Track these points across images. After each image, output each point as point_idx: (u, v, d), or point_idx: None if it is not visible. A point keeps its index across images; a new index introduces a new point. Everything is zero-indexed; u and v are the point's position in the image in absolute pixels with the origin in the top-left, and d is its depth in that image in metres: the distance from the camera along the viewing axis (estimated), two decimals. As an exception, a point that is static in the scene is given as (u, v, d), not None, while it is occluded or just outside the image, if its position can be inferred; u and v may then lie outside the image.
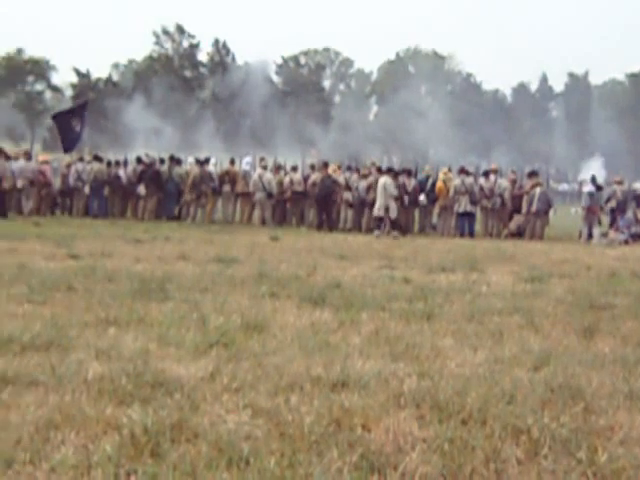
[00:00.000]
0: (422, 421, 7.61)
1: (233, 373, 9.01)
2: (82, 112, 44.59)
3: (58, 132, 43.92)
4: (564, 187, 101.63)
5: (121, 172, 42.66)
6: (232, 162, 43.43)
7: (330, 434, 7.11)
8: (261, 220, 40.46)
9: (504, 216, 39.73)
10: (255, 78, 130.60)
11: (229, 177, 41.78)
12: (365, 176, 40.60)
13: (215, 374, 8.98)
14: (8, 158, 41.38)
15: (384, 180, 37.69)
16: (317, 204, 40.05)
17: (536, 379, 9.16)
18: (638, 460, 6.84)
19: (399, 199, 38.43)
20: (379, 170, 40.95)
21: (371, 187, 39.15)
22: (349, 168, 43.74)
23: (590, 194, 39.50)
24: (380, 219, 37.20)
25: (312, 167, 44.97)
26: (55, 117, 45.53)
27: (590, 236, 37.69)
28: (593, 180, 40.71)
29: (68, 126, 42.71)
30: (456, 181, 39.21)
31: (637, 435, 7.43)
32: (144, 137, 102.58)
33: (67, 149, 43.07)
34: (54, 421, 7.27)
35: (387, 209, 37.07)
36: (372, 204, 38.42)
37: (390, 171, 39.85)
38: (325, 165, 41.37)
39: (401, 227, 37.46)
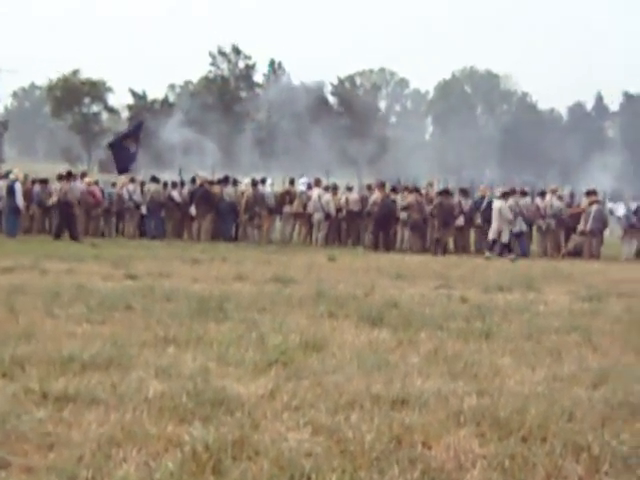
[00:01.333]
0: (482, 438, 7.62)
1: (293, 391, 9.03)
2: (137, 133, 44.66)
3: (113, 156, 43.93)
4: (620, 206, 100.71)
5: (175, 193, 42.72)
6: (292, 182, 43.49)
7: (391, 451, 7.12)
8: (318, 240, 40.40)
9: (559, 236, 39.61)
10: (311, 98, 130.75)
11: (290, 197, 41.77)
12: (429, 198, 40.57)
13: (275, 392, 9.00)
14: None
15: (500, 204, 37.91)
16: (376, 224, 40.04)
17: (595, 397, 9.16)
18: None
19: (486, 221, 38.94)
20: (442, 191, 41.13)
21: (434, 208, 39.19)
22: (406, 189, 43.55)
23: (626, 216, 39.54)
24: (494, 242, 37.42)
25: (369, 187, 44.92)
26: (111, 145, 45.57)
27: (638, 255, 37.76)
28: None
29: (122, 147, 42.81)
30: (510, 202, 39.04)
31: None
32: (199, 157, 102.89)
33: (121, 170, 43.13)
34: (116, 438, 7.30)
35: (497, 233, 37.33)
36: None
37: (505, 195, 39.53)
38: (382, 185, 41.42)
39: (511, 250, 37.45)
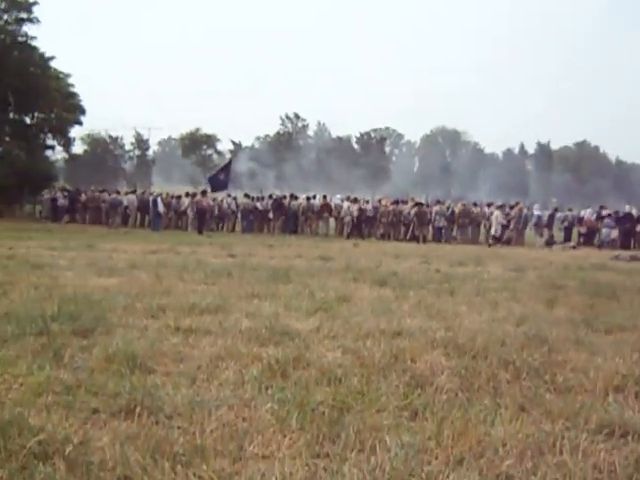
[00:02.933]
0: (447, 356, 7.62)
1: (330, 327, 9.05)
2: (228, 168, 44.95)
3: (209, 183, 44.44)
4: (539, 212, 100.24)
5: (258, 204, 42.96)
6: (325, 197, 43.61)
7: (391, 364, 7.15)
8: (347, 235, 40.42)
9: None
10: (343, 145, 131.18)
11: (326, 207, 41.97)
12: (412, 207, 40.70)
13: (319, 327, 9.04)
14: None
15: (496, 212, 38.28)
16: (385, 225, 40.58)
17: (518, 331, 9.15)
18: (581, 381, 6.86)
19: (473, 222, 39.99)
20: (417, 203, 41.40)
21: (415, 214, 39.34)
22: (399, 202, 43.74)
23: (539, 216, 39.61)
24: (494, 237, 37.39)
25: (379, 201, 45.19)
26: (209, 177, 45.99)
27: (547, 243, 37.74)
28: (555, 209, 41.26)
29: (216, 178, 43.22)
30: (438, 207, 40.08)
31: (581, 366, 7.43)
32: (274, 182, 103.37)
33: (213, 190, 43.41)
34: (221, 355, 7.36)
35: (496, 230, 37.55)
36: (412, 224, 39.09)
37: (501, 207, 40.39)
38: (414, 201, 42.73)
39: (499, 240, 37.62)
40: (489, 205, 42.33)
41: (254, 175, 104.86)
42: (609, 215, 39.08)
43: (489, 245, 36.31)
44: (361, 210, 41.15)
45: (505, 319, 10.32)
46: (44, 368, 6.50)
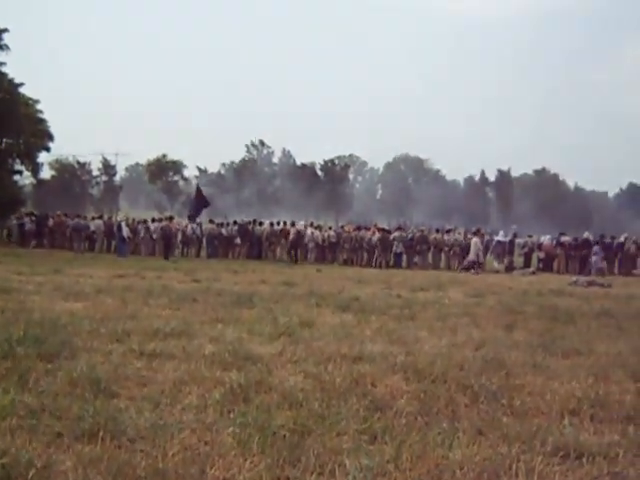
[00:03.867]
0: (407, 381, 7.68)
1: (293, 351, 9.09)
2: (200, 194, 44.76)
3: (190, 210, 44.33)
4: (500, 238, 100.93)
5: (223, 230, 42.80)
6: (285, 224, 43.27)
7: (352, 388, 7.19)
8: (310, 259, 40.44)
9: (458, 256, 39.69)
10: (307, 172, 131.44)
11: (284, 233, 41.74)
12: (373, 232, 40.70)
13: (282, 352, 9.08)
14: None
15: (475, 239, 37.95)
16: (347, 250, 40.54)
17: (477, 356, 9.22)
18: (537, 404, 6.92)
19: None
20: (380, 229, 41.48)
21: (378, 240, 39.36)
22: (362, 228, 43.85)
23: (499, 242, 39.80)
24: (473, 262, 36.95)
25: (342, 227, 45.18)
26: (190, 215, 45.62)
27: (507, 269, 37.83)
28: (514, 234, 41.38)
29: (196, 207, 43.19)
30: (397, 233, 40.43)
31: (538, 389, 7.51)
32: (239, 208, 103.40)
33: (194, 217, 43.33)
34: (184, 379, 7.37)
35: (477, 256, 37.27)
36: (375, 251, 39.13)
37: (478, 232, 40.14)
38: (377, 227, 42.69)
39: (475, 267, 36.98)
40: (448, 232, 42.50)
41: (218, 201, 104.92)
42: (596, 243, 39.08)
43: (460, 270, 36.22)
44: (325, 237, 41.19)
45: (464, 344, 10.40)
46: (9, 392, 6.45)
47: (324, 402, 6.62)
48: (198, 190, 46.06)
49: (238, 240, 42.15)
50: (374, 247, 39.70)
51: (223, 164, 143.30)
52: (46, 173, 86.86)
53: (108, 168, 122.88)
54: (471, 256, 37.40)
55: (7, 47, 50.75)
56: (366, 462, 5.10)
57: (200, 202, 43.31)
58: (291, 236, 40.63)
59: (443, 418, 6.36)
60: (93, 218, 47.62)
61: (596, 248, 38.08)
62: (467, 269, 36.50)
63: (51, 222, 45.63)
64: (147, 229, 42.65)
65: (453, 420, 6.30)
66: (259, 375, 7.60)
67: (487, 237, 41.41)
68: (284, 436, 5.59)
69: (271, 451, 5.28)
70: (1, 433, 5.42)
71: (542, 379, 8.08)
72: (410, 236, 40.66)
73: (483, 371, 8.21)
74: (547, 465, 5.26)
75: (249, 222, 44.30)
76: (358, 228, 43.41)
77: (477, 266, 36.70)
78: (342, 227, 45.46)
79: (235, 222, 44.51)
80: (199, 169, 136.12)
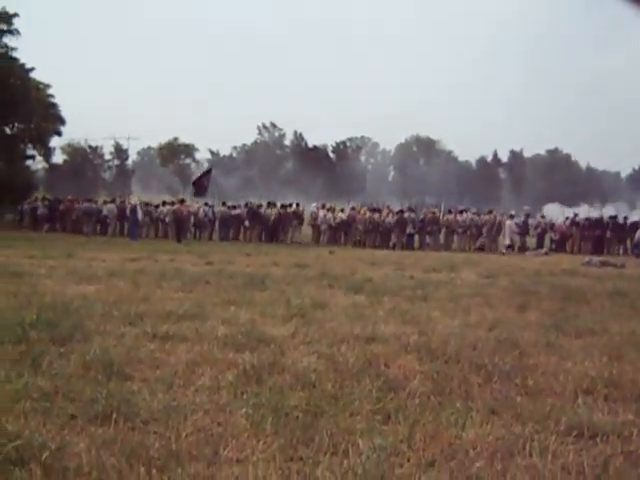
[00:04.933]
0: (420, 361, 7.68)
1: (306, 333, 9.10)
2: (209, 175, 44.74)
3: (194, 186, 44.05)
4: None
5: (234, 212, 42.73)
6: (297, 205, 43.08)
7: (365, 369, 7.18)
8: (323, 241, 40.43)
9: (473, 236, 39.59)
10: (319, 154, 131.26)
11: (296, 215, 41.62)
12: (387, 214, 40.60)
13: (295, 333, 9.09)
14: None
15: (509, 222, 38.51)
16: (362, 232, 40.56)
17: (490, 336, 9.21)
18: (551, 384, 6.91)
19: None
20: (393, 211, 41.47)
21: (395, 221, 39.32)
22: (375, 210, 43.76)
23: (516, 224, 39.77)
24: (508, 246, 37.47)
25: (352, 208, 44.89)
26: (194, 182, 45.44)
27: (520, 249, 37.81)
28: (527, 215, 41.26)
29: (200, 182, 43.05)
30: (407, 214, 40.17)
31: (551, 369, 7.50)
32: (251, 191, 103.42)
33: (196, 195, 43.27)
34: (197, 361, 7.39)
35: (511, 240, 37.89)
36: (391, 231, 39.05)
37: (512, 217, 40.12)
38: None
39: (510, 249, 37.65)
40: (461, 212, 42.25)
41: (230, 183, 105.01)
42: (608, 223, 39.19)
43: (502, 254, 36.06)
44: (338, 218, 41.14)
45: (477, 324, 10.38)
46: (22, 375, 6.48)
47: (337, 383, 6.62)
48: (206, 173, 46.07)
49: (247, 223, 42.06)
50: (389, 229, 39.58)
51: (234, 147, 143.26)
52: (58, 157, 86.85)
53: (120, 152, 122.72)
54: (507, 240, 37.55)
55: (18, 32, 50.89)
56: (379, 442, 5.09)
57: (201, 185, 43.23)
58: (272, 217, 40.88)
59: (456, 398, 6.35)
60: (105, 202, 47.61)
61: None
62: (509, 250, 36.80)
63: (63, 206, 45.69)
64: (159, 212, 42.66)
65: (466, 400, 6.29)
66: (272, 356, 7.62)
67: (500, 218, 41.23)
68: (297, 417, 5.59)
69: (284, 432, 5.28)
70: (15, 416, 5.44)
71: (555, 359, 8.06)
72: (422, 217, 40.53)
73: (496, 351, 8.20)
74: (561, 444, 5.25)
75: (259, 205, 44.19)
76: (373, 210, 43.29)
77: (512, 249, 36.87)
78: (352, 208, 45.17)
79: (246, 205, 44.46)
80: (211, 152, 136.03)
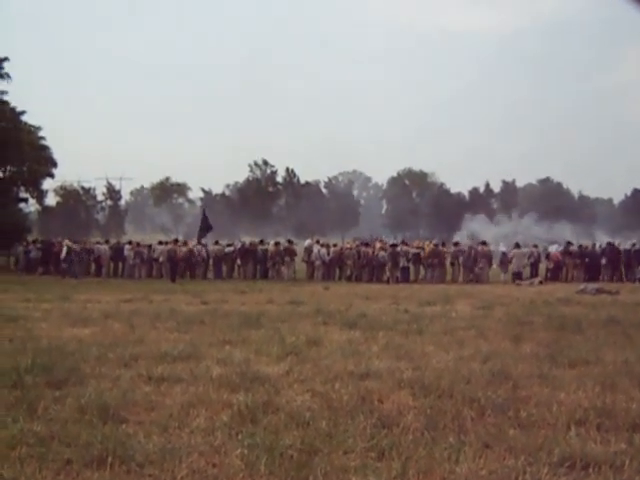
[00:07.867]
0: (414, 396, 7.73)
1: (300, 371, 9.15)
2: (206, 217, 44.88)
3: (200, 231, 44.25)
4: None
5: (228, 250, 42.79)
6: (290, 242, 43.32)
7: (358, 406, 7.24)
8: (318, 277, 40.43)
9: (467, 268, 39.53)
10: (311, 191, 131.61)
11: (289, 251, 41.67)
12: (380, 248, 40.59)
13: (289, 371, 9.13)
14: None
15: (516, 251, 39.18)
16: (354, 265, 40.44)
17: (484, 368, 9.26)
18: (544, 415, 6.95)
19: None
20: (385, 246, 41.38)
21: (389, 255, 39.26)
22: (364, 243, 43.94)
23: (503, 253, 39.93)
24: (518, 273, 37.68)
25: (348, 243, 44.98)
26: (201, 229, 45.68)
27: (513, 278, 37.87)
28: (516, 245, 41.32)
29: (205, 225, 43.30)
30: (400, 248, 39.69)
31: (544, 400, 7.54)
32: (244, 230, 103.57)
33: (203, 236, 43.51)
34: (192, 402, 7.43)
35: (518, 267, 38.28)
36: (385, 265, 38.97)
37: (518, 246, 40.43)
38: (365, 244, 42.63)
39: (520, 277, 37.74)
40: (455, 244, 42.21)
41: (224, 222, 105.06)
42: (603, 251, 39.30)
43: (517, 284, 35.99)
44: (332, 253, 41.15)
45: (471, 357, 10.43)
46: (18, 421, 6.52)
47: (331, 421, 6.66)
48: (204, 215, 46.19)
49: (239, 261, 42.07)
50: (382, 263, 39.57)
51: (227, 185, 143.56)
52: (51, 200, 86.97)
53: (113, 193, 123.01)
54: (516, 268, 37.75)
55: (8, 76, 51.26)
56: (373, 479, 5.14)
57: (205, 225, 43.44)
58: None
59: (450, 433, 6.40)
60: (97, 243, 47.63)
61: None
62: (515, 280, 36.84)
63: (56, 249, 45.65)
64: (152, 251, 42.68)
65: (460, 434, 6.33)
66: (266, 396, 7.65)
67: (492, 248, 41.24)
68: (292, 456, 5.63)
69: (279, 472, 5.33)
70: (11, 462, 5.47)
71: (549, 390, 8.12)
72: (416, 250, 40.54)
73: (490, 384, 8.26)
74: (553, 476, 5.31)
75: (252, 243, 44.28)
76: (361, 244, 43.35)
77: (519, 277, 37.00)
78: (347, 243, 45.21)
79: (243, 244, 44.56)
80: (203, 191, 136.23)
